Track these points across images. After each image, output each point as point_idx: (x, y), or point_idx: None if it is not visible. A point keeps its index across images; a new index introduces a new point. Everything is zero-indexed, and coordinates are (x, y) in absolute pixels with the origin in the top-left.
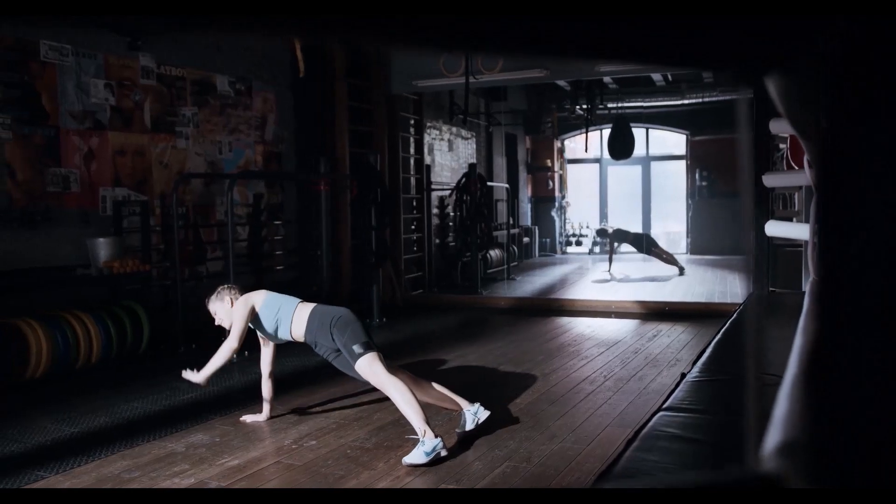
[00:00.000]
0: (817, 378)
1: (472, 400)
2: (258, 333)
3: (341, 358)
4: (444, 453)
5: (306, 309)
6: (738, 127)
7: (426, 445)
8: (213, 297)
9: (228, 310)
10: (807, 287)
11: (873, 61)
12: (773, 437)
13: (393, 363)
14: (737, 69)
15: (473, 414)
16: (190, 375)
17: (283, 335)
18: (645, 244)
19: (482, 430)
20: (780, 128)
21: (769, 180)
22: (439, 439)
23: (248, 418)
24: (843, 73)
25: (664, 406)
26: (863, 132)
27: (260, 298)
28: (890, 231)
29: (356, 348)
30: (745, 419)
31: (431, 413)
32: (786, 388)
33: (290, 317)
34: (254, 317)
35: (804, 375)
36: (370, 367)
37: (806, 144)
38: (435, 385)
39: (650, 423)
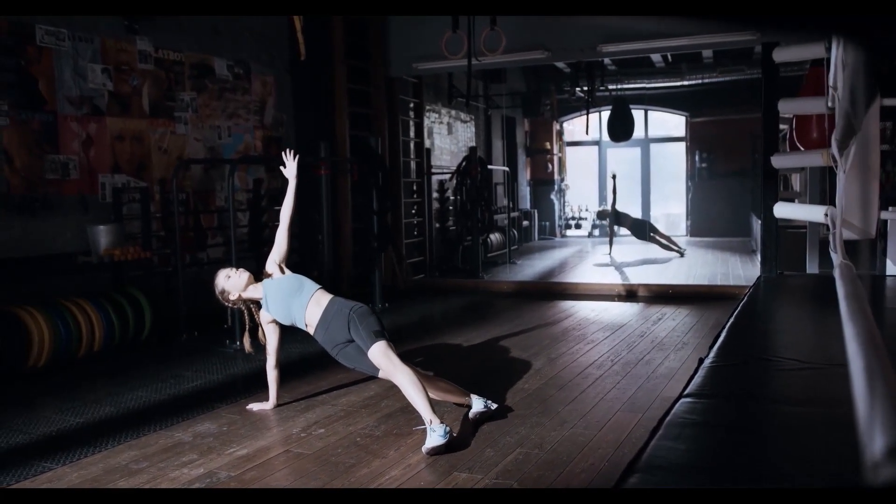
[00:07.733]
0: None
1: (480, 390)
2: (263, 319)
3: (346, 351)
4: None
5: (325, 297)
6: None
7: (437, 430)
8: (222, 279)
9: (239, 285)
10: (836, 271)
11: None
12: (879, 440)
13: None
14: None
15: (483, 402)
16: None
17: (298, 320)
18: (647, 230)
19: (492, 416)
20: (789, 108)
21: (777, 161)
22: (445, 425)
23: (254, 406)
24: None
25: (686, 393)
26: None
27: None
28: None
29: (374, 334)
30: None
31: (438, 407)
32: (865, 383)
33: (307, 303)
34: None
35: None
36: (384, 353)
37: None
38: (441, 380)
39: (673, 411)
